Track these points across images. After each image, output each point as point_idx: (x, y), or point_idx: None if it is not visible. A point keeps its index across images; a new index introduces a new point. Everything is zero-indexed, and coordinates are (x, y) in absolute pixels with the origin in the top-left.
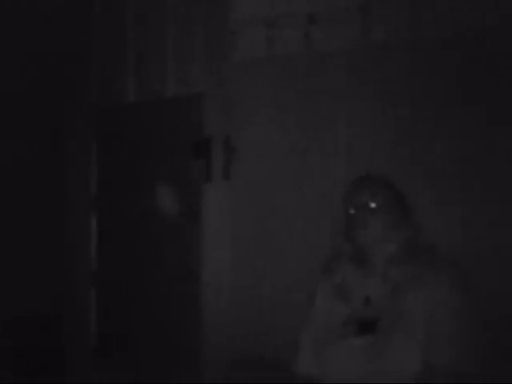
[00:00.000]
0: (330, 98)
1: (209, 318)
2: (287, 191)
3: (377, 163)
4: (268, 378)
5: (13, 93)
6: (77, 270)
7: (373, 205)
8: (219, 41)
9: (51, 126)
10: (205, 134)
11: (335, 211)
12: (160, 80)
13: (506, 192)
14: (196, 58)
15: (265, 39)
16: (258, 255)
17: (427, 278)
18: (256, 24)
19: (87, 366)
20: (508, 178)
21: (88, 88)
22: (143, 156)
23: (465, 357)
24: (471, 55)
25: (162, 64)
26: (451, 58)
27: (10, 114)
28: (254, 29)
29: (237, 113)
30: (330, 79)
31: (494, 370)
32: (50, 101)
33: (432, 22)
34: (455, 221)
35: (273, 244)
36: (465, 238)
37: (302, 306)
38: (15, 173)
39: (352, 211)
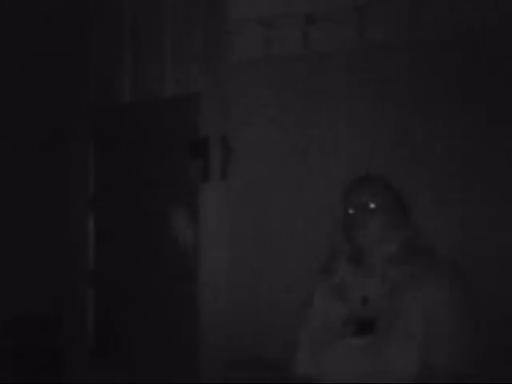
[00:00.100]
0: (330, 98)
1: (206, 317)
2: (286, 191)
3: (376, 163)
4: (266, 378)
5: (10, 93)
6: (74, 270)
7: (372, 205)
8: (217, 41)
9: (49, 125)
10: (202, 133)
11: (334, 211)
12: (157, 80)
13: (506, 192)
14: (193, 58)
15: (262, 39)
16: (256, 255)
17: (426, 278)
18: (253, 24)
19: (85, 365)
20: (508, 178)
21: (85, 88)
22: (141, 156)
23: (464, 357)
24: (471, 55)
25: (160, 64)
26: (451, 58)
27: (7, 114)
28: (251, 29)
29: (234, 113)
30: (330, 79)
31: (494, 370)
32: (47, 101)
33: (432, 21)
34: (455, 221)
35: (271, 244)
36: (465, 238)
37: (299, 306)
38: (13, 173)
39: (351, 211)
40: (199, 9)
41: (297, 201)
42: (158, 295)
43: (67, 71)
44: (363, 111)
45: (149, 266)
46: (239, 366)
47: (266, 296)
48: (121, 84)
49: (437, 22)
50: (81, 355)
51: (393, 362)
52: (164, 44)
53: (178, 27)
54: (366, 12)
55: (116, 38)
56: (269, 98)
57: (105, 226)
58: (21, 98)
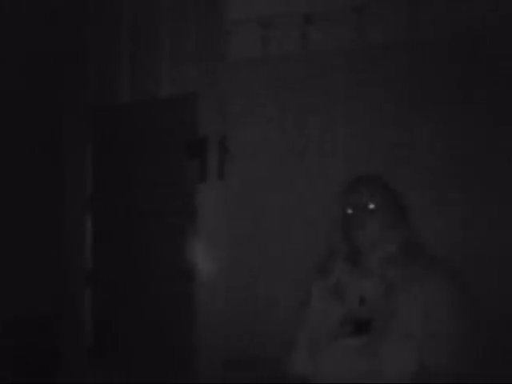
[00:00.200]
0: (328, 98)
1: (204, 318)
2: (284, 191)
3: (375, 163)
4: (263, 378)
5: (6, 92)
6: (72, 270)
7: (371, 206)
8: (214, 41)
9: (46, 125)
10: (199, 133)
11: (333, 211)
12: (154, 80)
13: (506, 192)
14: (191, 58)
15: (260, 39)
16: (254, 255)
17: (424, 278)
18: (251, 24)
19: (82, 365)
20: (508, 178)
21: (83, 88)
22: (138, 156)
23: (464, 357)
24: (470, 55)
25: (157, 64)
26: (450, 57)
27: (4, 114)
28: (248, 29)
29: (231, 113)
30: (328, 79)
31: (494, 370)
32: (44, 101)
33: (430, 21)
34: (455, 221)
35: (269, 244)
36: (465, 238)
37: (297, 305)
38: (10, 172)
39: (350, 211)
40: (197, 9)
41: (295, 201)
42: (155, 295)
43: (65, 71)
44: (361, 111)
45: (146, 266)
46: (237, 366)
47: (264, 296)
48: (118, 84)
49: (435, 21)
50: (78, 355)
51: (389, 362)
52: (161, 44)
53: (176, 27)
54: (364, 12)
55: (113, 39)
56: (267, 98)
57: (102, 226)
58: (18, 98)
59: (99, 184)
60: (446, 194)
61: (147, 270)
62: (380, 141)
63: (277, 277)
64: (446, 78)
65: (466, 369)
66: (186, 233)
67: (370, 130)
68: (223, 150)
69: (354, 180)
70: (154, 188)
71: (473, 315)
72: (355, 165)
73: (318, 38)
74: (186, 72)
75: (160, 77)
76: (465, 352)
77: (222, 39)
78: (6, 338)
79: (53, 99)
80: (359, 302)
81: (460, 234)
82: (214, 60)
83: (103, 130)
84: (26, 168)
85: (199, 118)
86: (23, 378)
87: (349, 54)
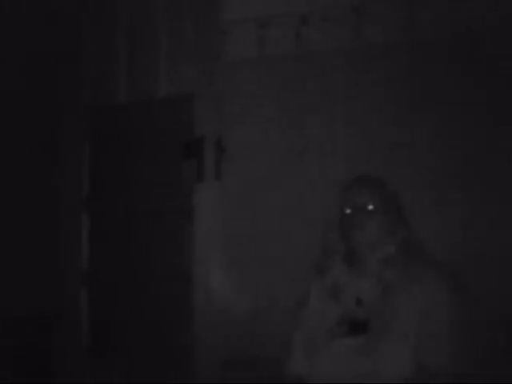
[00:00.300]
0: (328, 98)
1: (201, 318)
2: (284, 191)
3: (375, 163)
4: (263, 378)
5: (3, 93)
6: (69, 270)
7: (371, 206)
8: (211, 41)
9: (43, 125)
10: (196, 133)
11: (332, 211)
12: (152, 80)
13: (506, 192)
14: (188, 58)
15: (256, 39)
16: (251, 255)
17: (424, 278)
18: (248, 24)
19: (81, 366)
20: (508, 178)
21: (80, 88)
22: (135, 156)
23: (464, 357)
24: (470, 55)
25: (154, 64)
26: (450, 58)
27: (2, 114)
28: (245, 29)
29: (229, 113)
30: (328, 79)
31: (494, 370)
32: (42, 100)
33: (430, 21)
34: (455, 221)
35: (268, 244)
36: (465, 238)
37: (295, 306)
38: (7, 172)
39: (348, 211)
40: (194, 9)
41: (294, 201)
42: (153, 295)
43: (62, 71)
44: (361, 111)
45: (144, 266)
46: (236, 366)
47: (264, 296)
48: (115, 84)
49: (435, 21)
50: (77, 355)
51: (386, 362)
52: (158, 44)
53: (173, 27)
54: (363, 12)
55: (111, 39)
56: (265, 98)
57: (99, 226)
58: (15, 98)
59: (96, 184)
60: (446, 194)
61: (145, 269)
62: (380, 141)
63: (276, 277)
64: (446, 78)
65: (465, 369)
66: (183, 233)
67: (370, 130)
68: (221, 149)
69: (354, 180)
70: (151, 188)
71: (472, 315)
72: (355, 165)
73: (317, 37)
74: (183, 72)
75: (157, 77)
76: (465, 352)
77: (219, 39)
78: (5, 338)
79: (50, 99)
80: (356, 303)
81: (460, 234)
82: (211, 60)
83: (100, 129)
84: (23, 167)
85: (196, 118)
86: (23, 378)
87: (348, 53)
